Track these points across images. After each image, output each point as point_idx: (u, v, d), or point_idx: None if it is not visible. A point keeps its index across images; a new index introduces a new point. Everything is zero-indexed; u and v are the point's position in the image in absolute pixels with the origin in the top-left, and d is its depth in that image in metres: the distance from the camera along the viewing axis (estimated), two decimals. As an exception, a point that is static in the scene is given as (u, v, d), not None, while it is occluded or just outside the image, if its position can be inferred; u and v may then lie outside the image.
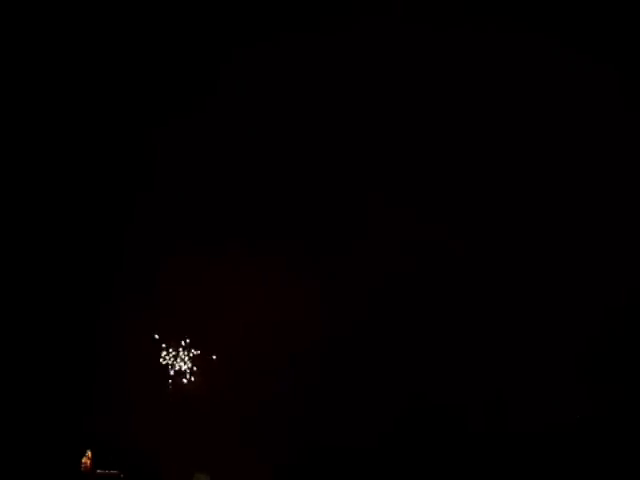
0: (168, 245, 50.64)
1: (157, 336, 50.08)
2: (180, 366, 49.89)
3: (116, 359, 49.13)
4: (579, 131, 50.05)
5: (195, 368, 50.10)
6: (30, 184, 49.35)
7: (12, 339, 48.07)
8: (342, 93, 51.42)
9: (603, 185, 49.75)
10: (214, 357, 50.37)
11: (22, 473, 45.98)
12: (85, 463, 47.93)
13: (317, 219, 51.78)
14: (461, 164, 51.75)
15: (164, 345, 50.07)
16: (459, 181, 51.73)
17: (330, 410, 49.32)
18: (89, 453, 48.01)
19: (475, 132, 51.08)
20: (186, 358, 50.07)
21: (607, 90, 49.14)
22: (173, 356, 50.03)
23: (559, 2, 49.51)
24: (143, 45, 50.67)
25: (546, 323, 49.41)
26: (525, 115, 50.79)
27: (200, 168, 51.90)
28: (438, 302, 50.70)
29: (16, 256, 48.55)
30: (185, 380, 49.82)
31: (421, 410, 49.14)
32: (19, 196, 49.24)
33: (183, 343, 50.37)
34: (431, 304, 50.57)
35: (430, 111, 51.32)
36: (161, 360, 49.86)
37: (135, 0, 49.98)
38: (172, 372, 50.02)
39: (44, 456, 46.93)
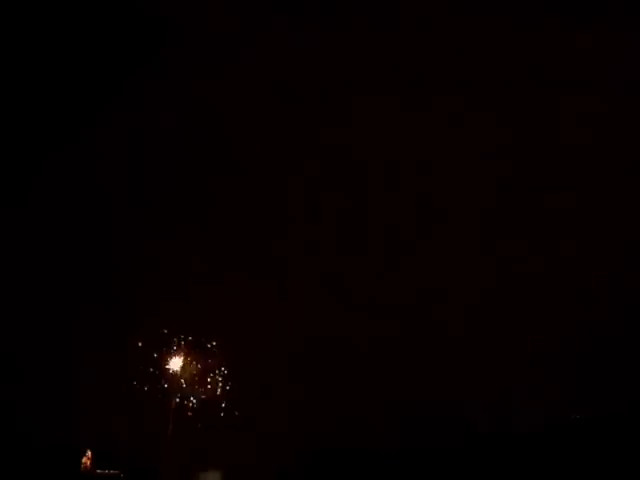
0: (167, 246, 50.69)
1: (165, 331, 50.05)
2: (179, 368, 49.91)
3: (116, 359, 49.11)
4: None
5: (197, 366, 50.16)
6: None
7: (10, 338, 48.18)
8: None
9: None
10: (213, 347, 50.23)
11: (22, 473, 45.97)
12: (85, 463, 47.89)
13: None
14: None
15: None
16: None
17: (333, 410, 49.29)
18: (89, 453, 47.97)
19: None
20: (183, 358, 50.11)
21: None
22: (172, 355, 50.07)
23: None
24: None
25: (545, 323, 49.44)
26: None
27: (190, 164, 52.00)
28: (437, 300, 50.76)
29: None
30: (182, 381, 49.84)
31: (423, 410, 49.11)
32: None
33: (183, 342, 50.42)
34: (430, 302, 50.63)
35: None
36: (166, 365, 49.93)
37: None
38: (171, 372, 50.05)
39: (44, 456, 46.92)
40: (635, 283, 49.19)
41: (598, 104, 50.18)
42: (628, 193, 50.09)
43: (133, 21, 51.01)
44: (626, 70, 50.21)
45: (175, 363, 50.25)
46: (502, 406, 48.63)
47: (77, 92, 51.15)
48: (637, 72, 49.77)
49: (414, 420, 48.91)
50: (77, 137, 51.51)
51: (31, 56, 50.47)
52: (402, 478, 47.69)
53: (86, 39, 50.85)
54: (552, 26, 49.83)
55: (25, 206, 49.97)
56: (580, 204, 50.65)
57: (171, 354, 50.32)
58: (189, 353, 50.40)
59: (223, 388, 50.30)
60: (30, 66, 50.41)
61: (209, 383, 50.39)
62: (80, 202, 51.19)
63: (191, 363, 50.35)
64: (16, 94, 50.00)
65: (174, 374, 50.22)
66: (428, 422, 48.81)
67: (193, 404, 49.93)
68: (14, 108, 49.99)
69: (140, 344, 49.86)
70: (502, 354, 48.91)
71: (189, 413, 49.76)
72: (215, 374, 50.47)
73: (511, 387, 48.45)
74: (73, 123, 51.48)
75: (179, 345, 50.42)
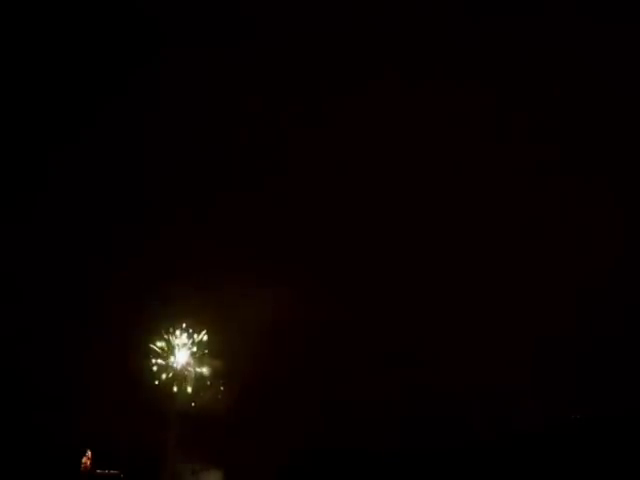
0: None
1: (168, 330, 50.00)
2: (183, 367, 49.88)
3: (117, 358, 49.08)
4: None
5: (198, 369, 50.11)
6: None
7: (10, 340, 48.25)
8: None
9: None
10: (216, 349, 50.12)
11: (23, 473, 46.01)
12: (85, 463, 47.92)
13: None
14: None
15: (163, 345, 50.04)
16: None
17: (332, 411, 49.31)
18: (89, 453, 47.99)
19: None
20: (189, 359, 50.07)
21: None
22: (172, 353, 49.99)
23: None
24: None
25: (545, 323, 49.47)
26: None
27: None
28: (437, 300, 50.77)
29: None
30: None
31: (423, 410, 49.12)
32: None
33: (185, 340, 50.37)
34: (431, 302, 50.63)
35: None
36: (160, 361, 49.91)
37: None
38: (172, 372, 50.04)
39: (44, 456, 46.94)
40: (635, 283, 49.22)
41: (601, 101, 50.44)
42: (629, 193, 50.18)
43: (133, 21, 51.02)
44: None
45: (177, 365, 50.22)
46: (502, 406, 48.66)
47: (77, 92, 51.14)
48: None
49: (414, 420, 48.91)
50: (77, 136, 51.50)
51: (31, 57, 50.46)
52: (402, 478, 47.75)
53: (86, 39, 50.86)
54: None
55: (26, 205, 50.01)
56: (580, 204, 50.74)
57: (174, 356, 50.31)
58: (192, 355, 50.38)
59: (224, 389, 50.24)
60: (30, 67, 50.41)
61: (210, 385, 50.34)
62: (81, 201, 51.21)
63: (193, 365, 50.32)
64: (16, 94, 50.01)
65: (176, 375, 50.21)
66: (428, 422, 48.81)
67: (194, 405, 49.91)
68: (15, 108, 50.00)
69: (141, 345, 49.87)
70: (502, 354, 48.93)
71: (190, 414, 49.76)
72: (216, 375, 50.43)
73: (511, 387, 48.47)
74: (73, 123, 51.47)
75: (182, 347, 50.40)
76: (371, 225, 51.88)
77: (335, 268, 51.40)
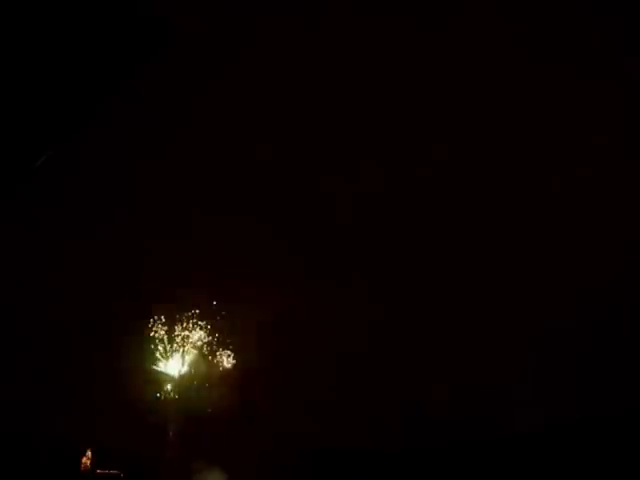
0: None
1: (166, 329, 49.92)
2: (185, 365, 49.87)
3: (117, 358, 49.09)
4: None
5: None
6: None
7: (9, 338, 48.22)
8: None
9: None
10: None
11: (22, 473, 45.99)
12: (85, 463, 47.91)
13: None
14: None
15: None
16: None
17: (333, 410, 49.35)
18: (89, 453, 47.98)
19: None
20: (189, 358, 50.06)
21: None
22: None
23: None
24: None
25: (545, 322, 49.46)
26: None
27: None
28: (437, 298, 50.80)
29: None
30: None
31: (423, 410, 49.16)
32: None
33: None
34: (430, 300, 50.67)
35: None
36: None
37: None
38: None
39: (44, 456, 46.94)
40: (635, 283, 49.20)
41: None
42: (629, 192, 50.16)
43: (135, 21, 50.97)
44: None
45: (178, 364, 50.25)
46: (502, 406, 48.66)
47: (77, 92, 51.04)
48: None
49: (414, 420, 48.95)
50: (77, 136, 51.40)
51: (31, 57, 50.39)
52: (401, 478, 47.77)
53: (87, 39, 50.76)
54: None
55: (26, 205, 49.95)
56: (580, 204, 50.74)
57: (173, 355, 50.31)
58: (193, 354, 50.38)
59: (225, 389, 50.23)
60: (30, 67, 50.33)
61: (211, 384, 50.35)
62: (81, 201, 51.26)
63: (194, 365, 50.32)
64: (17, 94, 49.92)
65: (176, 375, 50.23)
66: (428, 422, 48.84)
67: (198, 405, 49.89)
68: (15, 108, 49.92)
69: (142, 343, 49.88)
70: (501, 354, 48.95)
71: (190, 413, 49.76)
72: (218, 375, 50.42)
73: (511, 387, 48.48)
74: (70, 125, 51.36)
75: (182, 346, 50.39)
76: (371, 225, 51.92)
77: (335, 268, 51.47)
